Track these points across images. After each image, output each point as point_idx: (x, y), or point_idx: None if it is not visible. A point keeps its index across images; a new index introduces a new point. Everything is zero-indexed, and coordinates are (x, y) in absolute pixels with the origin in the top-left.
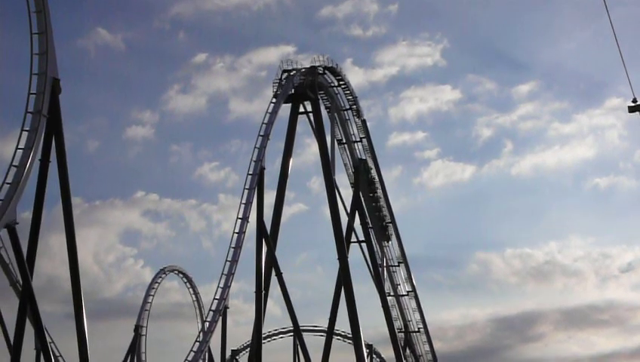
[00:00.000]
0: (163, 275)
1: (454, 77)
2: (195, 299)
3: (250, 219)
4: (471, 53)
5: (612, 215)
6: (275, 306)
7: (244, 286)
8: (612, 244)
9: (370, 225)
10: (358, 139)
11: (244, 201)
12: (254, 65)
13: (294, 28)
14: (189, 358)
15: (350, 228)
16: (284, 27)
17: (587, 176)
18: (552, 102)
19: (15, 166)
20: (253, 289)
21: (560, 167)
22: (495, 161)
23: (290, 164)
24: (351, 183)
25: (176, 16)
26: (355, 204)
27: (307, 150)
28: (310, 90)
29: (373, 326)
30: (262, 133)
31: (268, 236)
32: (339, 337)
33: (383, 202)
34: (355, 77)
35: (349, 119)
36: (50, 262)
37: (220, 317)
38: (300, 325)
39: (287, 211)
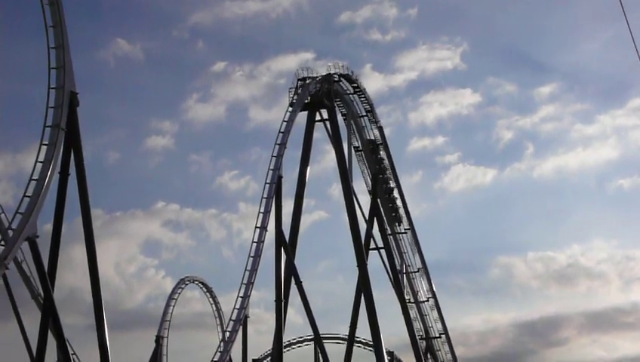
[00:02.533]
0: (183, 285)
1: (474, 80)
2: (215, 308)
3: (269, 228)
4: (491, 55)
5: (636, 216)
6: (296, 315)
7: (265, 294)
8: (636, 247)
9: (389, 232)
10: (375, 145)
11: (262, 210)
12: (273, 72)
13: (313, 34)
14: None
15: (369, 235)
16: (303, 34)
17: (611, 177)
18: (574, 104)
19: (34, 179)
20: (274, 299)
21: (583, 169)
22: (516, 164)
23: (308, 171)
24: (369, 190)
25: (194, 25)
26: (373, 210)
27: (327, 157)
28: (326, 98)
29: (393, 332)
30: (279, 142)
31: (287, 245)
32: (359, 344)
33: (401, 208)
34: (375, 82)
35: (366, 126)
36: (72, 274)
37: (241, 327)
38: (321, 333)
39: (307, 219)
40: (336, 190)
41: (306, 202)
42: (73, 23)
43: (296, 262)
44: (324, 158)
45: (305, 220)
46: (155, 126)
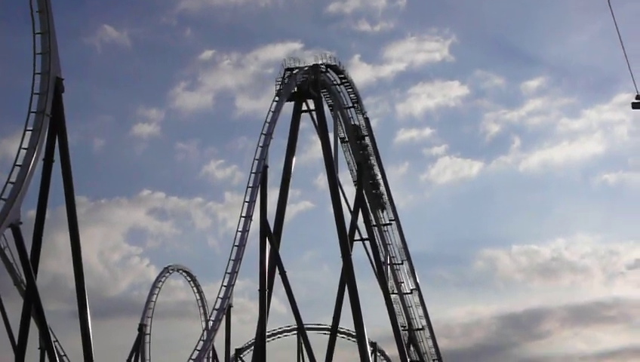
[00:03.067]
0: (167, 274)
1: (462, 72)
2: (198, 297)
3: (254, 218)
4: (479, 48)
5: (620, 211)
6: (280, 305)
7: (249, 284)
8: (619, 241)
9: (374, 223)
10: (360, 135)
11: (247, 200)
12: (261, 61)
13: (301, 24)
14: (193, 357)
15: (353, 226)
16: (292, 23)
17: (596, 171)
18: (561, 98)
19: (19, 165)
20: (258, 288)
21: (568, 163)
22: (503, 157)
23: (294, 162)
24: (354, 181)
25: (183, 12)
26: (358, 201)
27: (313, 147)
28: (313, 89)
29: (377, 324)
30: (265, 132)
31: (271, 234)
32: (343, 335)
33: (386, 199)
34: (363, 73)
35: (352, 117)
36: (56, 261)
37: (224, 316)
38: (305, 323)
39: (293, 209)
40: (323, 180)
41: (292, 192)
42: (60, 9)
43: (281, 251)
44: (311, 149)
45: (291, 210)
46: (142, 113)
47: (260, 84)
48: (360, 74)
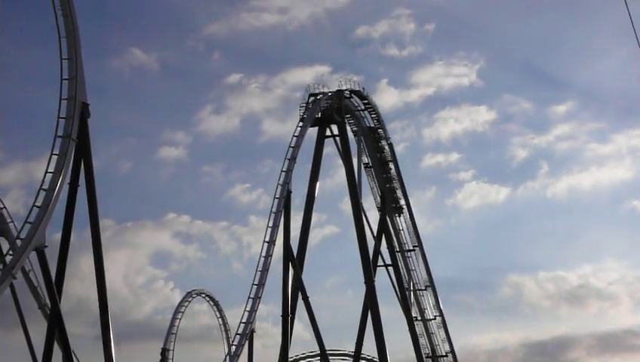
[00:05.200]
0: (190, 298)
1: (490, 97)
2: (221, 322)
3: (277, 243)
4: (507, 72)
5: None
6: (304, 330)
7: (273, 309)
8: None
9: (398, 249)
10: (385, 162)
11: (270, 225)
12: (288, 85)
13: (329, 48)
14: None
15: (377, 251)
16: (320, 47)
17: (624, 198)
18: (590, 123)
19: (44, 189)
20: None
21: (596, 189)
22: (530, 182)
23: (318, 187)
24: (377, 207)
25: (210, 36)
26: (382, 227)
27: (339, 171)
28: (337, 114)
29: (400, 350)
30: (289, 157)
31: (294, 259)
32: (365, 361)
33: (409, 225)
34: (390, 97)
35: (376, 143)
36: (81, 284)
37: (247, 341)
38: (327, 349)
39: (318, 233)
40: (348, 205)
41: (318, 216)
42: (89, 32)
43: (305, 276)
44: (337, 173)
45: (316, 234)
46: (168, 137)
47: (287, 108)
48: (387, 98)
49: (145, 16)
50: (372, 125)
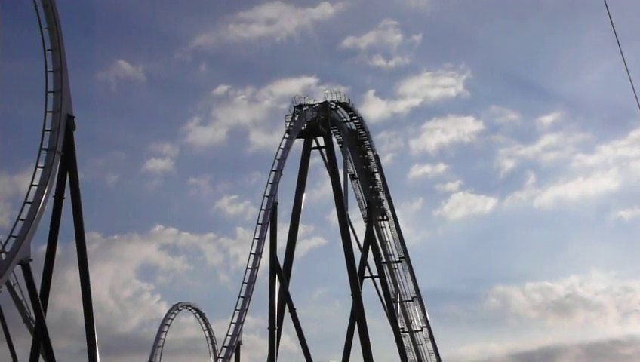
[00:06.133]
0: (176, 311)
1: (477, 108)
2: (208, 334)
3: (264, 255)
4: (494, 83)
5: (635, 248)
6: (291, 342)
7: (260, 321)
8: (634, 278)
9: (384, 261)
10: (371, 173)
11: (257, 236)
12: (276, 96)
13: (317, 59)
14: None
15: (363, 263)
16: (306, 58)
17: (611, 208)
18: (576, 133)
19: (29, 202)
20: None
21: (583, 199)
22: (517, 193)
23: (304, 199)
24: (364, 218)
25: (197, 47)
26: (368, 238)
27: (326, 183)
28: (322, 126)
29: (387, 361)
30: (274, 168)
31: (281, 271)
32: None
33: (395, 236)
34: (377, 108)
35: (362, 154)
36: (67, 297)
37: (233, 354)
38: (314, 361)
39: (306, 245)
40: (335, 216)
41: (305, 228)
42: (76, 44)
43: (293, 288)
44: (324, 184)
45: (303, 246)
46: (155, 149)
47: (274, 119)
48: (374, 109)
49: (132, 27)
50: (358, 137)
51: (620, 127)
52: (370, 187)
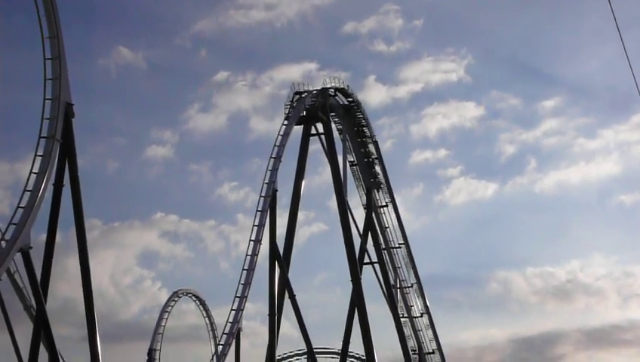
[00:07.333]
0: (177, 298)
1: (478, 93)
2: (208, 321)
3: (263, 242)
4: (496, 68)
5: (636, 232)
6: (292, 328)
7: (261, 308)
8: (635, 263)
9: (384, 247)
10: (370, 159)
11: (256, 223)
12: (276, 82)
13: (317, 44)
14: None
15: (363, 249)
16: (307, 44)
17: (612, 192)
18: (578, 118)
19: (29, 191)
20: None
21: (584, 184)
22: (518, 178)
23: (303, 185)
24: (363, 205)
25: (197, 33)
26: (368, 224)
27: (326, 169)
28: (321, 112)
29: (387, 347)
30: (274, 155)
31: (281, 258)
32: (352, 359)
33: (395, 223)
34: (378, 94)
35: (361, 140)
36: (67, 285)
37: (234, 340)
38: (315, 347)
39: (306, 231)
40: (335, 202)
41: (306, 214)
42: (74, 31)
43: (293, 274)
44: (325, 170)
45: (304, 232)
46: (156, 135)
47: (275, 105)
48: (375, 94)
49: (131, 14)
50: (356, 122)
51: (622, 112)
52: (370, 173)
